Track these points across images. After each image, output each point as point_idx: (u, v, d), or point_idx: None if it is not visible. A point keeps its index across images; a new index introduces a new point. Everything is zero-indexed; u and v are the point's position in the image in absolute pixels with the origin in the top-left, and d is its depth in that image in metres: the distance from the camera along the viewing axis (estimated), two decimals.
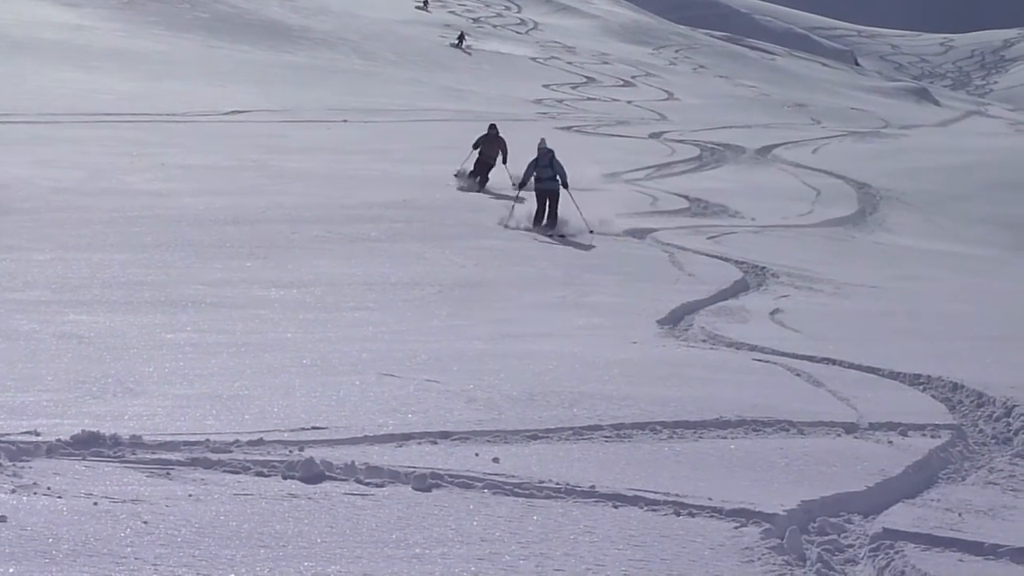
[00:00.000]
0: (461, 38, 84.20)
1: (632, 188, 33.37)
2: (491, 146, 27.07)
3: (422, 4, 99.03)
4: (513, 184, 27.21)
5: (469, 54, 78.20)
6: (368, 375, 11.77)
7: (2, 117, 36.92)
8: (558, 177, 23.20)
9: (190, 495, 7.70)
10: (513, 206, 24.85)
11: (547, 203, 23.42)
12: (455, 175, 28.08)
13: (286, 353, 13.31)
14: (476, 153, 27.45)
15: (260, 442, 8.88)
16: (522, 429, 9.73)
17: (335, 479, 8.18)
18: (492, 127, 27.76)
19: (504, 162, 27.17)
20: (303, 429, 9.31)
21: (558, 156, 23.72)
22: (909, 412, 10.67)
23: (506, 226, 23.90)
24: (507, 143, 27.45)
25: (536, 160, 23.44)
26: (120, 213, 23.67)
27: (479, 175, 27.42)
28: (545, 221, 23.58)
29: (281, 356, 13.16)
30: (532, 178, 23.89)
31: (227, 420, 9.51)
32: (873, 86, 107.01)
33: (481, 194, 29.42)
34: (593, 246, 23.33)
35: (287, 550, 6.69)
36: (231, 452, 8.69)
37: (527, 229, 23.96)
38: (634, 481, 8.39)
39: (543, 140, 24.53)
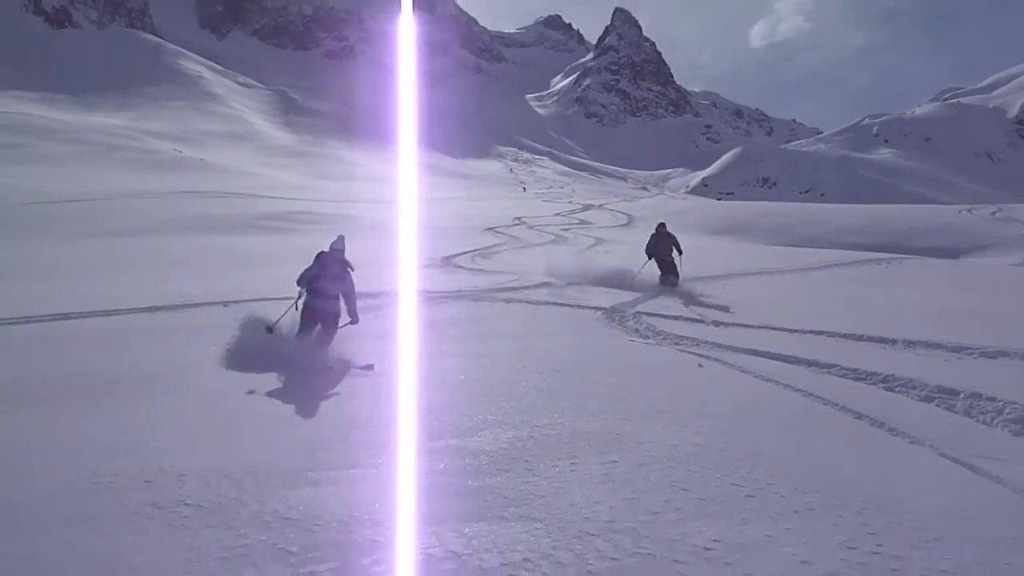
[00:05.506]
0: (524, 187, 73.34)
1: (554, 210, 30.93)
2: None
3: (522, 189, 67.84)
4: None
5: (526, 191, 69.73)
6: (511, 275, 10.47)
7: (345, 202, 30.09)
8: (341, 296, 4.19)
9: (475, 305, 7.29)
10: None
11: (316, 324, 4.30)
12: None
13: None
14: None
15: (483, 292, 8.52)
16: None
17: (515, 303, 7.73)
18: (338, 237, 4.99)
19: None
20: (503, 284, 8.90)
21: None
22: (610, 300, 8.40)
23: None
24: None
25: (318, 266, 4.29)
26: (359, 220, 20.70)
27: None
28: (313, 337, 4.26)
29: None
30: (305, 289, 4.34)
31: (476, 282, 9.27)
32: (628, 188, 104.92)
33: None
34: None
35: (491, 324, 6.54)
36: (481, 293, 8.44)
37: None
38: (556, 298, 8.13)
39: (339, 239, 4.60)
